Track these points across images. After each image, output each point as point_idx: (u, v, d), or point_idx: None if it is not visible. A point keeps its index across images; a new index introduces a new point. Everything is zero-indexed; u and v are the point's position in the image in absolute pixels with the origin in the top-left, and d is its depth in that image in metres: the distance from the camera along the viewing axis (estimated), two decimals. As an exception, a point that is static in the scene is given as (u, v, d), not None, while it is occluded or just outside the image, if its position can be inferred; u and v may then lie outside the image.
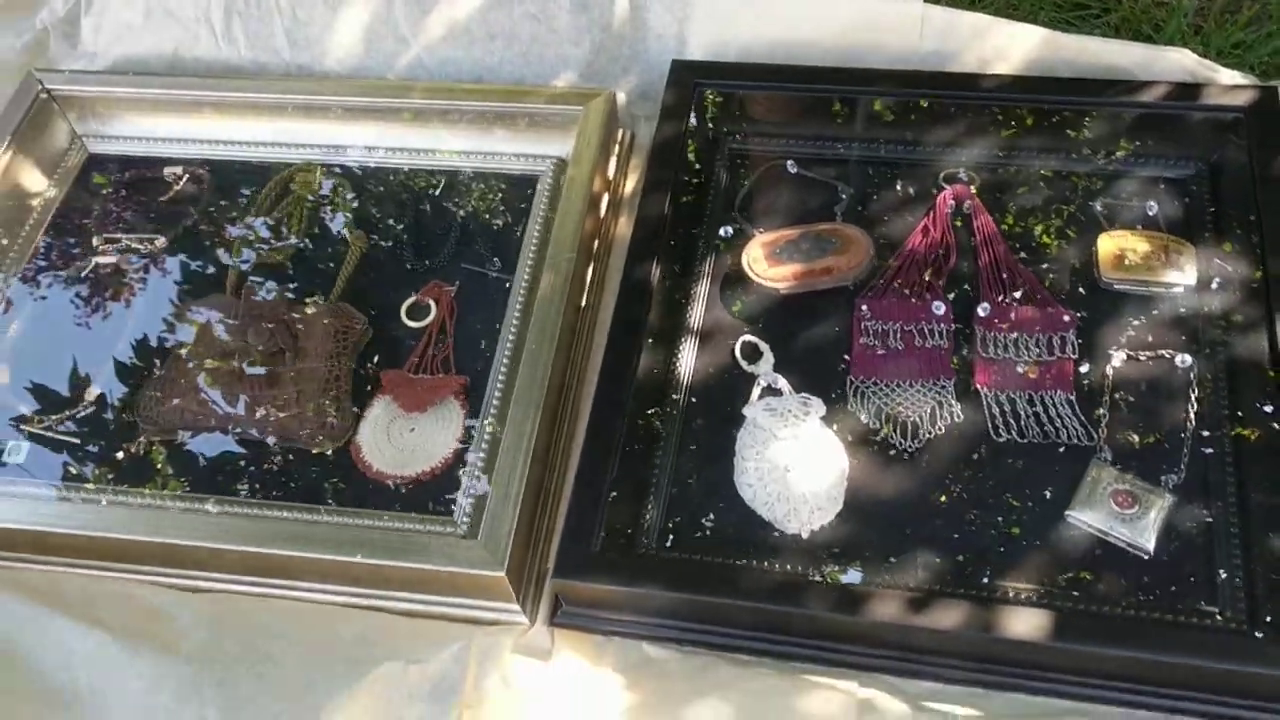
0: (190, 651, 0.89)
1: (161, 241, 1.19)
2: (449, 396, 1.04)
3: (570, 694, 0.90)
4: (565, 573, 0.90)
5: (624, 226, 1.18)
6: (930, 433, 0.99)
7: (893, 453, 0.98)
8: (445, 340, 1.09)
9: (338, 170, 1.22)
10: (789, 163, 1.17)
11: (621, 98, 1.23)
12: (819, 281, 1.07)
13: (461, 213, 1.18)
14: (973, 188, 1.12)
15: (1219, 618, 0.88)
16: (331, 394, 1.05)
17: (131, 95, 1.26)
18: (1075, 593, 0.89)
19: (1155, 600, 0.89)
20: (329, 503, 1.00)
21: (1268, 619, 0.85)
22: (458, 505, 0.98)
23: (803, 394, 1.00)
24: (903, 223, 1.12)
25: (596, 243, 1.13)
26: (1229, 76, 1.13)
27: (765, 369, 1.03)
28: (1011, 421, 0.98)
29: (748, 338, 1.05)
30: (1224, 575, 0.89)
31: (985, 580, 0.91)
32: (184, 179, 1.24)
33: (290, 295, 1.12)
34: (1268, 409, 0.95)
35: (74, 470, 1.04)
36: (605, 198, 1.16)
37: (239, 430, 1.05)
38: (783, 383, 1.02)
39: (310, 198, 1.20)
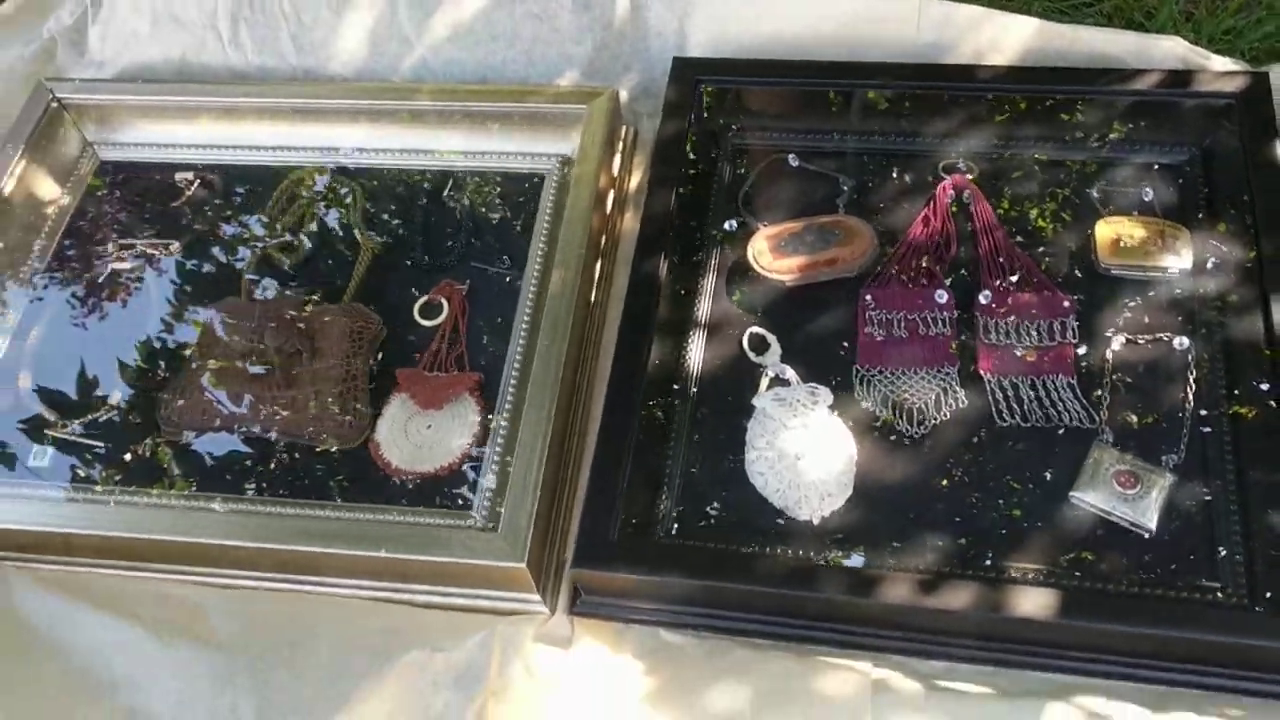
0: (222, 642, 0.91)
1: (176, 246, 1.21)
2: (464, 393, 1.06)
3: (591, 680, 0.92)
4: (584, 562, 0.93)
5: (629, 222, 1.21)
6: (935, 418, 1.01)
7: (899, 439, 1.00)
8: (458, 338, 1.11)
9: (347, 173, 1.24)
10: (790, 156, 1.19)
11: (624, 95, 1.26)
12: (823, 273, 1.09)
13: (470, 212, 1.20)
14: (971, 177, 1.14)
15: (1220, 593, 0.90)
16: (349, 393, 1.07)
17: (141, 102, 1.28)
18: (1080, 572, 0.92)
19: (1158, 577, 0.91)
20: (350, 500, 1.02)
21: (1267, 594, 0.88)
22: (476, 499, 1.00)
23: (810, 383, 1.02)
24: (904, 213, 1.14)
25: (603, 239, 1.15)
26: (1221, 63, 1.15)
27: (773, 360, 1.05)
28: (1014, 406, 1.01)
29: (755, 329, 1.07)
30: (1224, 552, 0.92)
31: (992, 561, 0.93)
32: (195, 184, 1.26)
33: (304, 297, 1.13)
34: (1264, 387, 0.97)
35: (99, 473, 1.06)
36: (610, 194, 1.18)
37: (258, 431, 1.07)
38: (790, 373, 1.04)
39: (321, 201, 1.22)
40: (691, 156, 1.16)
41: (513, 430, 1.01)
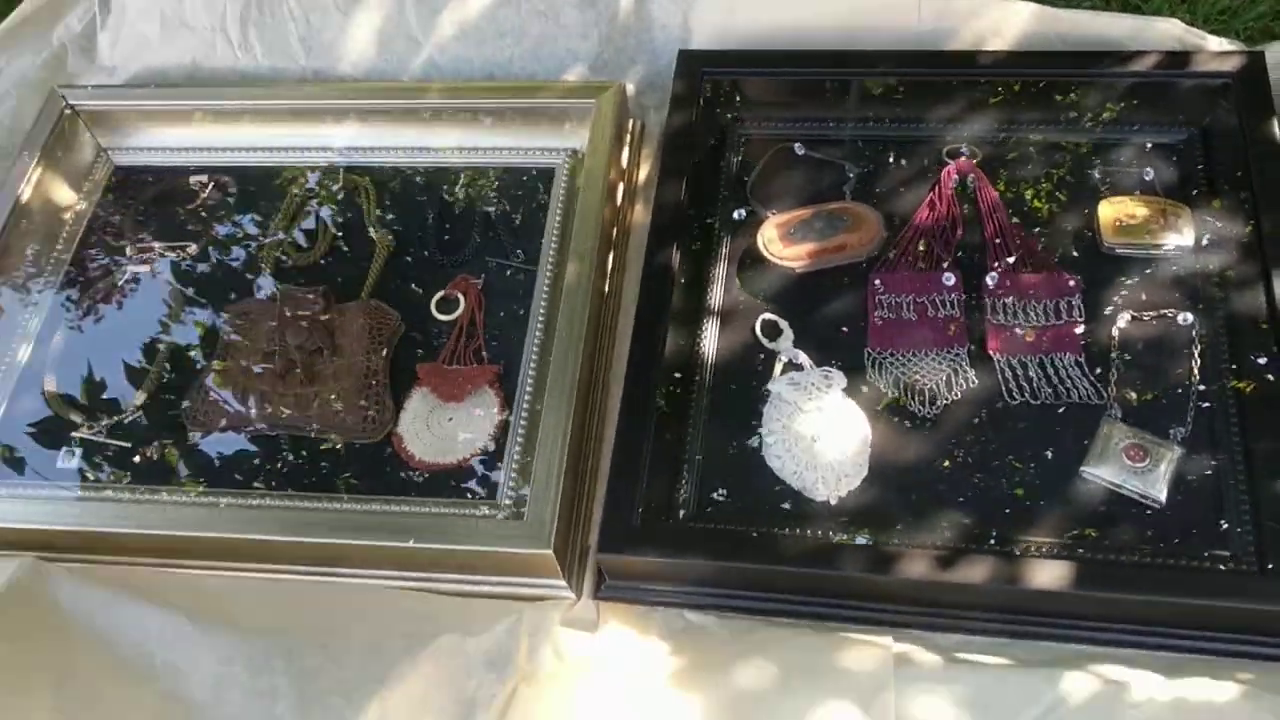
0: (259, 628, 0.93)
1: (193, 249, 1.23)
2: (484, 385, 1.08)
3: (619, 661, 0.95)
4: (608, 547, 0.95)
5: (639, 213, 1.23)
6: (947, 399, 1.03)
7: (912, 420, 1.03)
8: (475, 331, 1.13)
9: (359, 172, 1.26)
10: (796, 145, 1.21)
11: (630, 88, 1.28)
12: (833, 259, 1.11)
13: (483, 207, 1.21)
14: (974, 161, 1.16)
15: (1228, 561, 0.92)
16: (371, 389, 1.09)
17: (153, 107, 1.30)
18: (1092, 544, 0.94)
19: (1168, 547, 0.94)
20: (376, 493, 1.04)
21: (1274, 561, 0.90)
22: (500, 488, 1.02)
23: (824, 367, 1.05)
24: (909, 198, 1.16)
25: (615, 230, 1.17)
26: (1217, 43, 1.17)
27: (785, 345, 1.07)
28: (1024, 384, 1.03)
29: (767, 315, 1.09)
30: (1231, 521, 0.94)
31: (1006, 535, 0.95)
32: (209, 186, 1.27)
33: (323, 295, 1.15)
34: (1261, 361, 0.99)
35: (127, 473, 1.08)
36: (620, 186, 1.20)
37: (283, 427, 1.09)
38: (803, 357, 1.06)
39: (334, 200, 1.24)
40: (699, 147, 1.18)
41: (533, 420, 1.03)
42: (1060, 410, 1.01)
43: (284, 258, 1.21)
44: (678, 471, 1.01)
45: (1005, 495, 0.98)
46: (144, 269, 1.22)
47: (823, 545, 0.96)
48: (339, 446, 1.08)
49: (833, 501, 0.99)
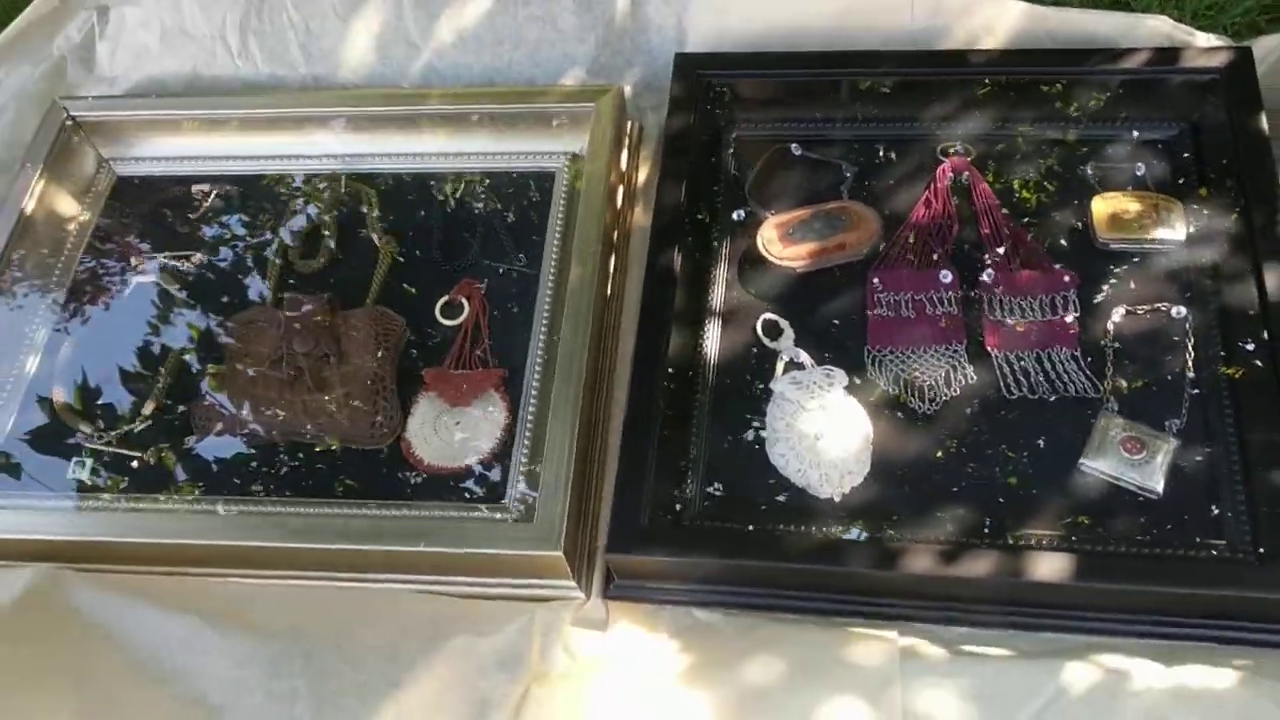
0: (275, 631, 0.95)
1: (198, 258, 1.24)
2: (490, 389, 1.10)
3: (629, 660, 0.96)
4: (617, 548, 0.96)
5: (639, 215, 1.24)
6: (946, 395, 1.05)
7: (913, 416, 1.04)
8: (480, 336, 1.14)
9: (361, 179, 1.27)
10: (793, 145, 1.23)
11: (627, 91, 1.29)
12: (832, 258, 1.13)
13: (485, 212, 1.23)
14: (969, 159, 1.18)
15: (1225, 550, 0.94)
16: (378, 394, 1.10)
17: (154, 117, 1.31)
18: (1092, 536, 0.96)
19: (1166, 537, 0.95)
20: (385, 498, 1.05)
21: (1268, 549, 0.92)
22: (508, 491, 1.04)
23: (825, 366, 1.06)
24: (906, 196, 1.17)
25: (616, 233, 1.19)
26: (1205, 39, 1.19)
27: (786, 344, 1.09)
28: (1022, 379, 1.05)
29: (768, 315, 1.11)
30: (1227, 510, 0.96)
31: (1007, 529, 0.97)
32: (212, 195, 1.28)
33: (329, 302, 1.16)
34: (1250, 347, 1.01)
35: (136, 483, 1.10)
36: (620, 189, 1.21)
37: (290, 434, 1.10)
38: (804, 356, 1.08)
39: (337, 207, 1.25)
40: (698, 149, 1.19)
41: (540, 423, 1.05)
42: (1058, 404, 1.03)
43: (288, 265, 1.22)
44: (683, 471, 1.03)
45: (1004, 489, 0.99)
46: (149, 279, 1.23)
47: (827, 542, 0.97)
48: (348, 452, 1.09)
49: (836, 498, 1.00)
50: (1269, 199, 1.07)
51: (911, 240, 1.14)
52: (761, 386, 1.07)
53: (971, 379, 1.05)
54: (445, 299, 1.17)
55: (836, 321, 1.11)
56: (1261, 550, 0.93)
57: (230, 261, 1.24)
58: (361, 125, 1.28)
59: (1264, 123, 1.11)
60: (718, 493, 1.03)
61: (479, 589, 1.01)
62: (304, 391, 1.11)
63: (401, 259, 1.21)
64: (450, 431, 1.09)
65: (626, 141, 1.25)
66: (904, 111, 1.22)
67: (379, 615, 0.97)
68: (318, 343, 1.12)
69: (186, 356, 1.17)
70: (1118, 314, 1.07)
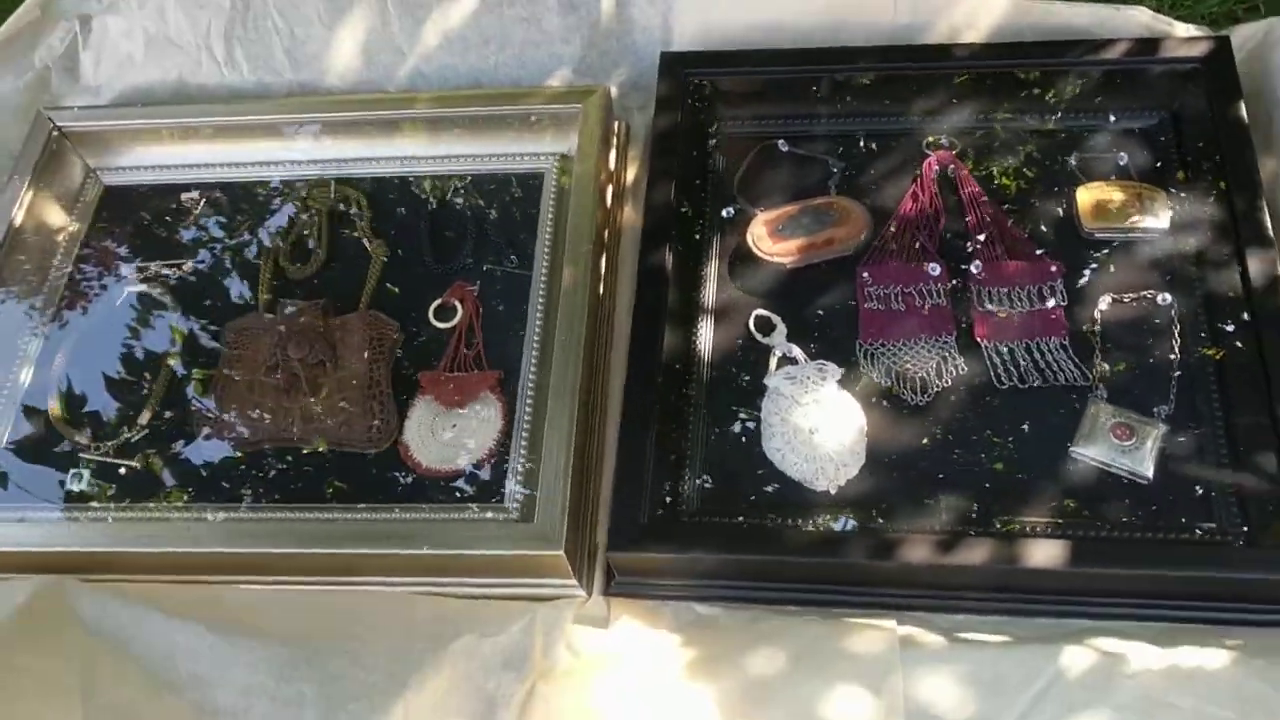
0: (283, 638, 0.95)
1: (189, 266, 1.24)
2: (485, 391, 1.10)
3: (632, 655, 0.97)
4: (618, 545, 0.97)
5: (629, 214, 1.25)
6: (938, 386, 1.06)
7: (905, 408, 1.06)
8: (474, 338, 1.15)
9: (350, 183, 1.27)
10: (780, 142, 1.24)
11: (614, 91, 1.29)
12: (821, 253, 1.14)
13: (474, 214, 1.23)
14: (954, 152, 1.19)
15: (1214, 533, 0.96)
16: (374, 399, 1.11)
17: (141, 126, 1.30)
18: (1085, 522, 0.98)
19: (1156, 521, 0.97)
20: (384, 502, 1.06)
21: (1256, 530, 0.94)
22: (508, 492, 1.04)
23: (818, 360, 1.07)
24: (893, 190, 1.19)
25: (606, 232, 1.19)
26: (1184, 29, 1.21)
27: (779, 340, 1.10)
28: (1012, 369, 1.06)
29: (760, 311, 1.12)
30: (1216, 493, 0.98)
31: (1001, 517, 0.99)
32: (201, 203, 1.28)
33: (322, 308, 1.17)
34: (1230, 328, 1.03)
35: (135, 491, 1.10)
36: (609, 188, 1.22)
37: (287, 440, 1.11)
38: (797, 351, 1.09)
39: (327, 213, 1.25)
40: (686, 148, 1.20)
41: (537, 423, 1.05)
42: (1048, 392, 1.04)
43: (279, 271, 1.22)
44: (680, 468, 1.04)
45: (998, 477, 1.01)
46: (141, 288, 1.23)
47: (825, 534, 0.99)
48: (345, 457, 1.10)
49: (832, 491, 1.02)
50: (1249, 185, 1.08)
51: (899, 233, 1.15)
52: (753, 380, 1.08)
53: (962, 370, 1.07)
54: (438, 302, 1.17)
55: (825, 315, 1.12)
56: (1250, 533, 0.94)
57: (221, 268, 1.24)
58: (349, 130, 1.28)
59: (1243, 110, 1.12)
60: (717, 488, 1.04)
61: (481, 589, 1.01)
62: (300, 397, 1.12)
63: (393, 263, 1.21)
64: (447, 434, 1.09)
65: (614, 141, 1.26)
66: (889, 106, 1.23)
67: (384, 618, 0.98)
68: (312, 348, 1.13)
69: (179, 365, 1.17)
70: (1104, 302, 1.08)
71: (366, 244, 1.22)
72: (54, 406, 1.16)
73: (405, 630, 0.96)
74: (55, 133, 1.29)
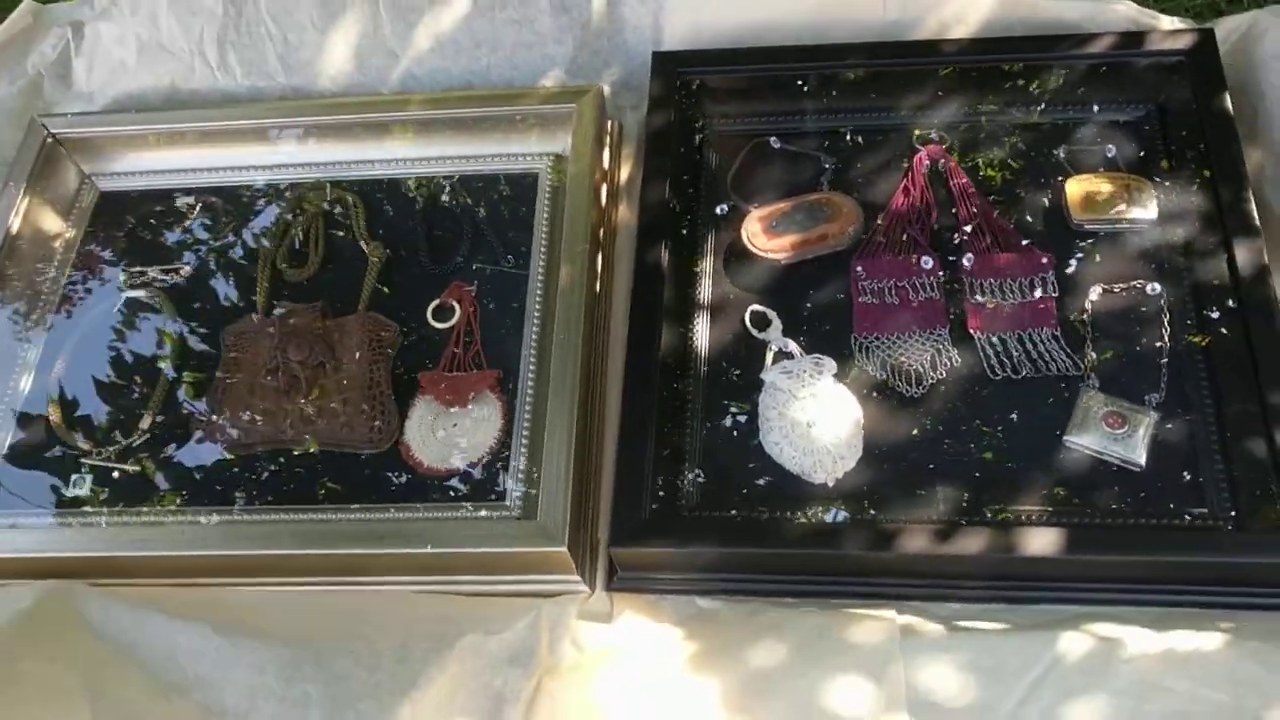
0: (287, 638, 0.96)
1: (186, 270, 1.24)
2: (485, 390, 1.11)
3: (636, 650, 0.98)
4: (620, 541, 0.99)
5: (624, 213, 1.26)
6: (932, 378, 1.07)
7: (901, 400, 1.07)
8: (473, 338, 1.16)
9: (346, 186, 1.28)
10: (772, 139, 1.25)
11: (606, 90, 1.30)
12: (815, 249, 1.15)
13: (470, 215, 1.24)
14: (945, 146, 1.20)
15: (1206, 518, 0.98)
16: (374, 399, 1.11)
17: (135, 132, 1.31)
18: (1079, 509, 0.99)
19: (1149, 508, 0.99)
20: (386, 502, 1.07)
21: (1245, 515, 0.96)
22: (509, 490, 1.05)
23: (814, 354, 1.09)
24: (885, 185, 1.20)
25: (601, 231, 1.20)
26: (1169, 23, 1.22)
27: (775, 335, 1.11)
28: (1005, 360, 1.07)
29: (755, 307, 1.13)
30: (1207, 479, 0.99)
31: (997, 506, 1.00)
32: (198, 207, 1.29)
33: (321, 310, 1.17)
34: (1215, 315, 1.05)
35: (136, 496, 1.10)
36: (604, 187, 1.23)
37: (288, 443, 1.11)
38: (793, 346, 1.10)
39: (323, 216, 1.26)
40: (679, 146, 1.21)
41: (537, 421, 1.06)
42: (1041, 383, 1.06)
43: (276, 274, 1.23)
44: (679, 463, 1.05)
45: (993, 467, 1.02)
46: (138, 293, 1.23)
47: (823, 526, 1.00)
48: (346, 458, 1.10)
49: (830, 483, 1.03)
50: (1235, 175, 1.10)
51: (892, 228, 1.16)
52: (752, 377, 1.09)
53: (956, 362, 1.08)
54: (436, 302, 1.18)
55: (820, 309, 1.13)
56: (1241, 518, 0.96)
57: (218, 272, 1.24)
58: (342, 133, 1.28)
59: (1228, 102, 1.14)
60: (714, 483, 1.05)
61: (485, 587, 1.03)
62: (300, 399, 1.12)
63: (390, 264, 1.22)
64: (448, 433, 1.10)
65: (608, 141, 1.27)
66: (879, 102, 1.24)
67: (389, 617, 0.99)
68: (312, 350, 1.13)
69: (179, 369, 1.18)
70: (1094, 293, 1.10)
71: (363, 246, 1.23)
72: (55, 412, 1.16)
73: (410, 629, 0.97)
74: (49, 139, 1.29)
